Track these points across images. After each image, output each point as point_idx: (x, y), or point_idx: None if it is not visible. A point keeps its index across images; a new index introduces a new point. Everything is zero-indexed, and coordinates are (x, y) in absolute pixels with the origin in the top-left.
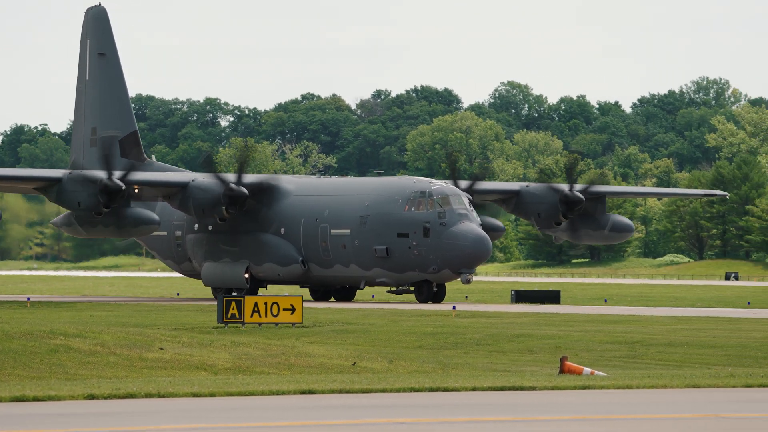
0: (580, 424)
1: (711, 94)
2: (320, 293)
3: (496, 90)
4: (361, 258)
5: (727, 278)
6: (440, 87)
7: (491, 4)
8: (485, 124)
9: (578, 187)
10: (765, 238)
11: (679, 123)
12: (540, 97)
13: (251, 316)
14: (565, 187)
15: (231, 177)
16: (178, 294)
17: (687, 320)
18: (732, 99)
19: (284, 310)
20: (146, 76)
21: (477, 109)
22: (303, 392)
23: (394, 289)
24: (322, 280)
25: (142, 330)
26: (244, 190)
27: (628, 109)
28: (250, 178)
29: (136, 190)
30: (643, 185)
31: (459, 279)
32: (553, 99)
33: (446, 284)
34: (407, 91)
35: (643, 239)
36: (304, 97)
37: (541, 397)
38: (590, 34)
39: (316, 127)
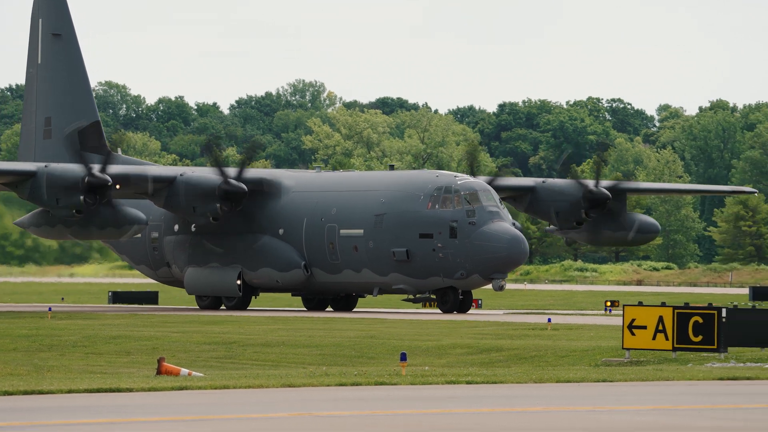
0: (178, 425)
1: (307, 97)
2: (315, 302)
3: (93, 90)
4: (376, 262)
5: None
6: None
7: (87, 5)
8: None
9: (605, 183)
10: None
11: (276, 125)
12: (138, 98)
13: None
14: (590, 182)
15: (231, 171)
16: None
17: (283, 320)
18: (327, 102)
19: None
20: None
21: None
22: None
23: (412, 297)
24: (328, 287)
25: None
26: (243, 186)
27: (226, 111)
28: (249, 173)
29: (118, 187)
30: None
31: (490, 285)
32: (151, 99)
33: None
34: (1, 90)
35: None
36: None
37: (139, 398)
38: (190, 36)
39: None
